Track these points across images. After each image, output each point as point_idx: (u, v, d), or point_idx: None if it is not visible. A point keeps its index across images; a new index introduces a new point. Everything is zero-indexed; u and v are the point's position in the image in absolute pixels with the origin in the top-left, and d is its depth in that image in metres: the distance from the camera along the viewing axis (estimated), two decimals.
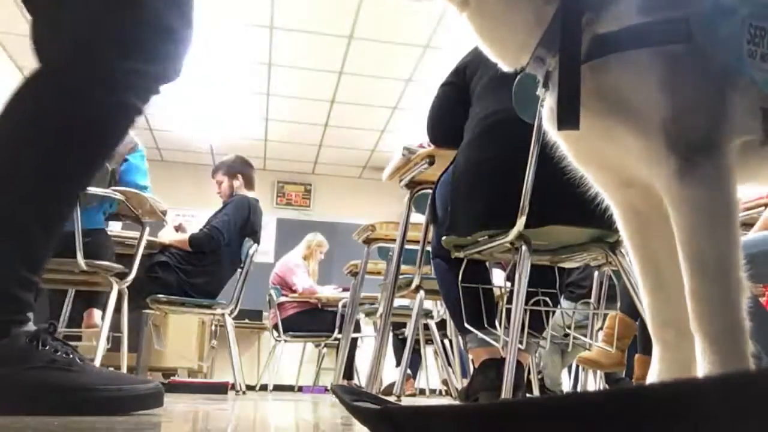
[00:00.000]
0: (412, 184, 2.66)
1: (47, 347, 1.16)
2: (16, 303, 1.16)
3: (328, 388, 5.56)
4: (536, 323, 2.08)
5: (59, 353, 1.17)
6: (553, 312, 2.20)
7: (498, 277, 3.36)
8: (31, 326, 1.18)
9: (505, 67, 0.98)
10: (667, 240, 0.88)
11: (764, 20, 0.83)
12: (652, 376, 0.95)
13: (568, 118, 0.86)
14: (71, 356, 1.18)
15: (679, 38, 0.82)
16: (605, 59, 0.85)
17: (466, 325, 2.04)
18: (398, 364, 5.20)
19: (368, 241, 3.43)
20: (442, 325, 4.16)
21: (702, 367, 0.82)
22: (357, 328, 5.23)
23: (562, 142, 0.98)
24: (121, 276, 2.81)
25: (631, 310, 2.49)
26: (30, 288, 1.18)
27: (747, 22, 0.82)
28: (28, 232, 1.16)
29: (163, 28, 1.23)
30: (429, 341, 4.70)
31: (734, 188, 0.83)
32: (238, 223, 3.85)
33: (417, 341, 4.42)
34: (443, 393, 5.27)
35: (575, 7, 0.87)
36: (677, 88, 0.83)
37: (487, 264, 2.36)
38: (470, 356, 2.19)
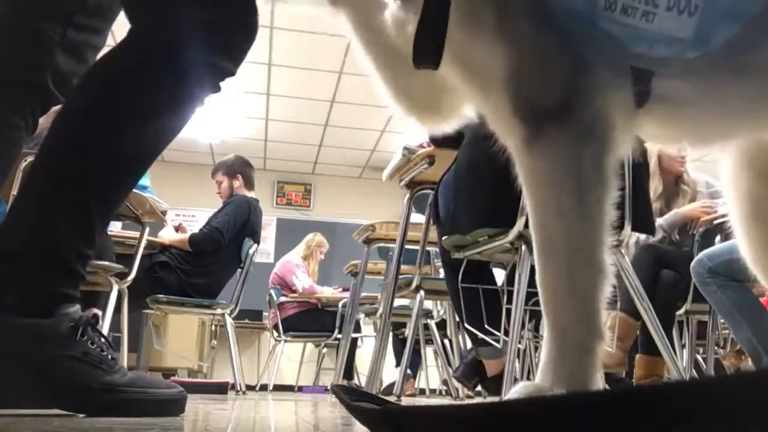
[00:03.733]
0: (412, 184, 2.66)
1: (85, 338, 1.17)
2: (70, 274, 1.19)
3: (328, 388, 5.55)
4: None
5: (95, 346, 1.18)
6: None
7: (499, 277, 3.36)
8: (77, 310, 1.19)
9: None
10: None
11: None
12: None
13: (426, 52, 0.73)
14: (105, 353, 1.19)
15: None
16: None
17: (487, 326, 2.04)
18: (398, 364, 5.19)
19: (368, 241, 3.43)
20: (442, 325, 4.16)
21: (543, 358, 0.74)
22: (357, 328, 5.22)
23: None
24: (121, 276, 2.81)
25: (632, 311, 2.49)
26: (84, 262, 1.21)
27: None
28: (88, 210, 1.19)
29: (242, 24, 1.28)
30: (429, 341, 4.70)
31: (594, 156, 0.73)
32: (238, 224, 3.85)
33: (417, 341, 4.42)
34: (443, 393, 5.27)
35: None
36: (517, 42, 0.73)
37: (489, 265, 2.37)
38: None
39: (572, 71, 0.73)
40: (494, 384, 2.06)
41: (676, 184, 3.17)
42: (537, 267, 0.75)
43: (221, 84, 1.31)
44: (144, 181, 3.17)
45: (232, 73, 1.31)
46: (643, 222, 1.97)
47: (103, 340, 1.21)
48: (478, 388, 2.34)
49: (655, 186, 3.11)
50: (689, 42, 0.72)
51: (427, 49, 0.73)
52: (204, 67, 1.25)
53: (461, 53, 0.76)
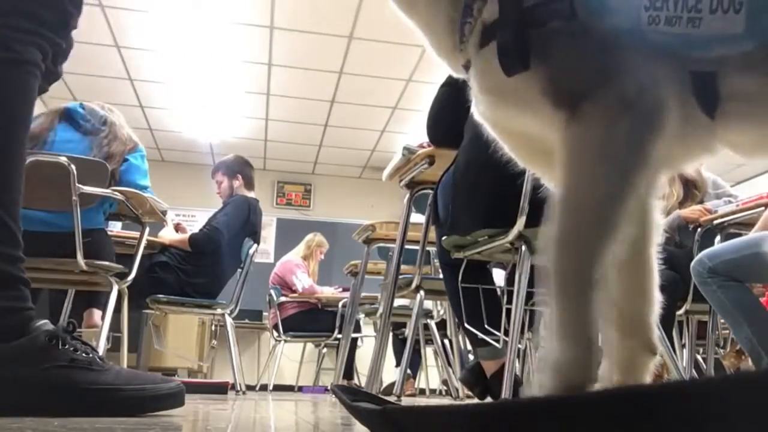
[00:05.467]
0: (412, 184, 2.66)
1: (67, 346, 1.15)
2: (10, 281, 1.15)
3: (328, 388, 5.55)
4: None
5: (79, 352, 1.16)
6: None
7: (499, 277, 3.37)
8: (49, 325, 1.17)
9: (454, 73, 0.94)
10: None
11: None
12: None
13: (513, 60, 0.76)
14: (91, 355, 1.18)
15: (561, 16, 0.76)
16: (491, 46, 0.79)
17: (487, 327, 2.04)
18: (398, 364, 5.20)
19: (368, 241, 3.43)
20: (442, 325, 4.16)
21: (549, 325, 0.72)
22: (357, 328, 5.22)
23: (506, 146, 0.94)
24: (121, 276, 2.81)
25: None
26: (17, 264, 1.16)
27: None
28: None
29: None
30: (429, 341, 4.70)
31: (630, 128, 0.72)
32: (238, 224, 3.85)
33: (417, 341, 4.42)
34: (443, 393, 5.27)
35: None
36: (555, 57, 0.76)
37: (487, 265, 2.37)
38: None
39: (606, 55, 0.75)
40: (493, 384, 2.06)
41: (686, 187, 3.17)
42: (549, 233, 0.73)
43: (49, 46, 1.20)
44: (144, 181, 3.17)
45: (54, 33, 1.20)
46: None
47: (85, 345, 1.19)
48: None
49: (677, 191, 3.11)
50: (743, 36, 0.72)
51: (514, 56, 0.76)
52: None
53: (497, 83, 0.79)
